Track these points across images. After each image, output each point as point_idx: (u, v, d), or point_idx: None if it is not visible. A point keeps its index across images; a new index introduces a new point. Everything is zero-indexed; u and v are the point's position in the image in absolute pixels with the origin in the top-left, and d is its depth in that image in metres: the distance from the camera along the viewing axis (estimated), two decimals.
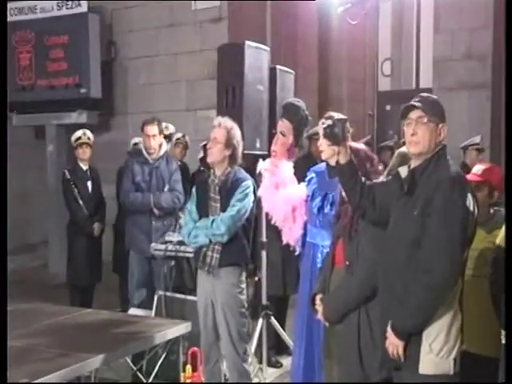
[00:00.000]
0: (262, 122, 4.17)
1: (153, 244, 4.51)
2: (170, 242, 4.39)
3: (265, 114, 4.20)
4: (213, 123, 3.63)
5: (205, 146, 5.80)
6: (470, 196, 2.29)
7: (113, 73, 8.14)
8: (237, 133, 3.61)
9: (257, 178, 3.77)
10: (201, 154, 5.96)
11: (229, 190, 3.58)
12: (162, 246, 4.37)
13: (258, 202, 3.68)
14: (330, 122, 2.59)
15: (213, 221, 3.54)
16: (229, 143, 3.57)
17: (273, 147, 3.73)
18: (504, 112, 2.69)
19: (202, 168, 5.82)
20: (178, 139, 6.02)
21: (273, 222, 3.71)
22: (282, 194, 3.60)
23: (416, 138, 2.39)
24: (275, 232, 3.84)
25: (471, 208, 2.28)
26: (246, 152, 3.79)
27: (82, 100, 7.70)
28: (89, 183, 5.43)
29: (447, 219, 2.24)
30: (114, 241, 5.70)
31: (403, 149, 2.95)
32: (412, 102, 2.43)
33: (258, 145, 4.12)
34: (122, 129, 7.92)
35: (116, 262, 5.61)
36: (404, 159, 2.77)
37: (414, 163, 2.43)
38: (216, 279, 3.56)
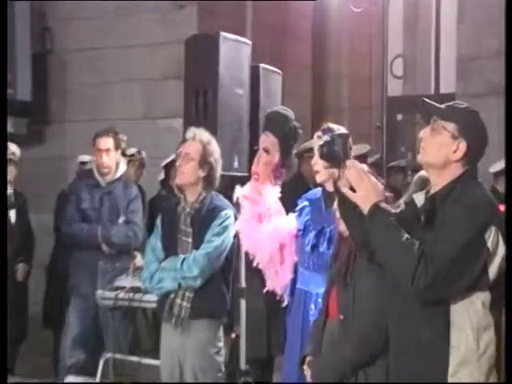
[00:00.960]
0: (241, 135, 4.23)
1: (99, 291, 4.52)
2: (122, 288, 4.40)
3: (245, 125, 4.25)
4: (183, 135, 3.71)
5: (167, 165, 5.87)
6: (493, 229, 2.38)
7: (47, 69, 8.16)
8: (215, 149, 3.69)
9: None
10: (162, 176, 6.00)
11: (203, 220, 3.63)
12: (111, 294, 4.39)
13: (236, 238, 3.73)
14: (327, 137, 2.66)
15: (183, 260, 3.58)
16: (204, 161, 3.64)
17: (254, 168, 3.78)
18: None
19: (163, 193, 5.85)
20: (131, 156, 6.06)
21: (255, 264, 3.75)
22: (267, 229, 3.63)
23: (423, 143, 2.51)
24: (257, 276, 3.87)
25: (490, 243, 2.37)
26: (220, 173, 3.85)
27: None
28: (12, 212, 5.43)
29: (457, 247, 2.32)
30: (47, 286, 5.68)
31: (424, 172, 3.01)
32: (431, 102, 2.53)
33: (235, 164, 4.17)
34: (58, 141, 7.92)
35: (48, 315, 5.59)
36: (426, 184, 2.84)
37: (433, 188, 2.51)
38: (186, 335, 3.58)
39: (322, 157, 2.67)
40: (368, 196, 2.48)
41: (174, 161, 4.81)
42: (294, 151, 4.13)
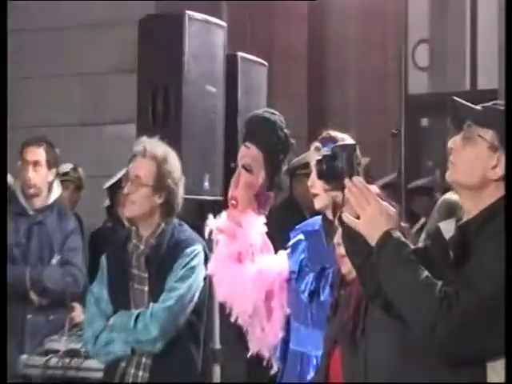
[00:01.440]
0: (213, 147, 4.26)
1: (24, 356, 4.50)
2: (54, 351, 4.39)
3: (219, 133, 4.29)
4: (133, 149, 3.70)
5: (112, 187, 5.83)
6: None
7: None
8: (173, 166, 3.70)
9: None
10: (107, 202, 5.97)
11: (163, 261, 3.64)
12: (41, 360, 4.36)
13: (208, 284, 3.74)
14: (327, 150, 2.67)
15: (137, 317, 3.57)
16: (160, 185, 3.66)
17: (232, 191, 3.79)
18: None
19: (109, 224, 5.83)
20: (65, 174, 6.05)
21: (233, 319, 3.75)
22: (249, 272, 3.64)
23: (453, 156, 2.52)
24: (237, 334, 3.88)
25: None
26: (185, 197, 3.86)
27: None
28: None
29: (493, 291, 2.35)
30: None
31: (451, 195, 3.04)
32: (464, 101, 2.56)
33: (206, 185, 4.19)
34: None
35: None
36: (453, 211, 2.86)
37: (466, 215, 2.52)
38: None
39: (320, 176, 2.67)
40: (375, 222, 2.49)
41: (120, 181, 4.80)
42: (285, 168, 4.14)
